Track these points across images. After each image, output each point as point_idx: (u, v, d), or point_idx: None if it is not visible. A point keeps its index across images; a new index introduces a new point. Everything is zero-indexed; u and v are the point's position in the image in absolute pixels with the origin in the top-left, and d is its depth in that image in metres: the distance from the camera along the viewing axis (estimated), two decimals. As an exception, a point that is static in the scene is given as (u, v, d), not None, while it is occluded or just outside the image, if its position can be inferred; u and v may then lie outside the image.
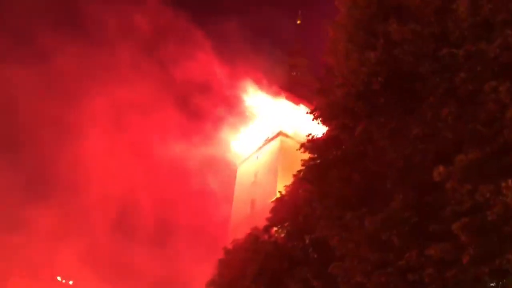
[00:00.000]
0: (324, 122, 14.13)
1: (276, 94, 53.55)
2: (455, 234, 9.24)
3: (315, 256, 19.95)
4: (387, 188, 11.53)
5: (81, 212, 56.29)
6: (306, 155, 16.87)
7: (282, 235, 24.32)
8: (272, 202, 51.13)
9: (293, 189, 24.76)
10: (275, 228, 24.49)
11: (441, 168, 9.04)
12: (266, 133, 52.04)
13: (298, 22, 63.97)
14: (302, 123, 53.88)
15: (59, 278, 42.95)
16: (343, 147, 13.81)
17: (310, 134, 16.95)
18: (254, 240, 23.87)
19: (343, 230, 11.75)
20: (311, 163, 15.63)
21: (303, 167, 16.72)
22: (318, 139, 15.63)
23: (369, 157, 11.78)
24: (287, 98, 53.49)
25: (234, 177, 53.44)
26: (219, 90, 53.49)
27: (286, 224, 23.30)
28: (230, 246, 26.07)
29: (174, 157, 54.40)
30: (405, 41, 10.90)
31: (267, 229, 24.51)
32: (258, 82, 54.11)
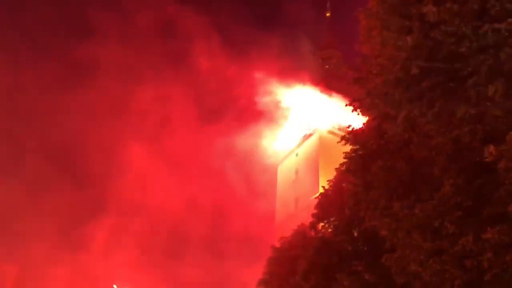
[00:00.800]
0: (364, 113, 13.91)
1: (311, 88, 53.19)
2: (512, 215, 8.90)
3: (365, 248, 19.67)
4: (434, 174, 11.23)
5: (134, 223, 58.33)
6: (347, 148, 16.68)
7: (329, 230, 24.14)
8: (315, 198, 50.83)
9: (336, 183, 24.52)
10: (321, 224, 24.34)
11: (492, 148, 8.72)
12: (304, 129, 51.76)
13: (328, 14, 63.34)
14: (340, 116, 53.37)
15: (115, 287, 44.75)
16: (385, 136, 13.58)
17: (350, 125, 16.78)
18: (302, 236, 23.81)
19: (393, 220, 11.53)
20: (353, 155, 15.47)
21: (346, 160, 16.57)
22: (359, 130, 15.44)
23: (414, 144, 11.52)
24: (322, 92, 53.03)
25: (275, 175, 53.43)
26: (253, 88, 53.55)
27: (332, 219, 23.10)
28: (277, 245, 26.13)
29: (214, 160, 55.03)
30: (443, 22, 10.59)
31: (313, 225, 24.39)
32: (292, 78, 53.87)
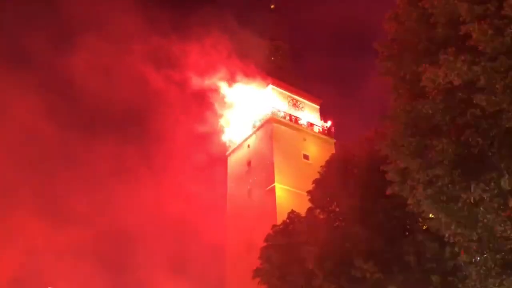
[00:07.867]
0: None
1: (261, 80, 52.55)
2: None
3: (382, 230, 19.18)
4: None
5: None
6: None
7: (321, 216, 23.64)
8: (271, 188, 49.94)
9: (328, 172, 23.96)
10: (318, 210, 23.74)
11: None
12: (255, 121, 50.98)
13: (272, 6, 63.21)
14: (290, 107, 53.44)
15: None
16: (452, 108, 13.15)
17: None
18: (304, 222, 23.00)
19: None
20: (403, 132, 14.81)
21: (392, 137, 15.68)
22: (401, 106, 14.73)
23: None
24: (273, 83, 52.66)
25: (225, 168, 52.08)
26: (200, 81, 51.57)
27: (334, 204, 22.59)
28: (271, 232, 25.05)
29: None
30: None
31: (311, 211, 23.73)
32: (241, 70, 52.72)
